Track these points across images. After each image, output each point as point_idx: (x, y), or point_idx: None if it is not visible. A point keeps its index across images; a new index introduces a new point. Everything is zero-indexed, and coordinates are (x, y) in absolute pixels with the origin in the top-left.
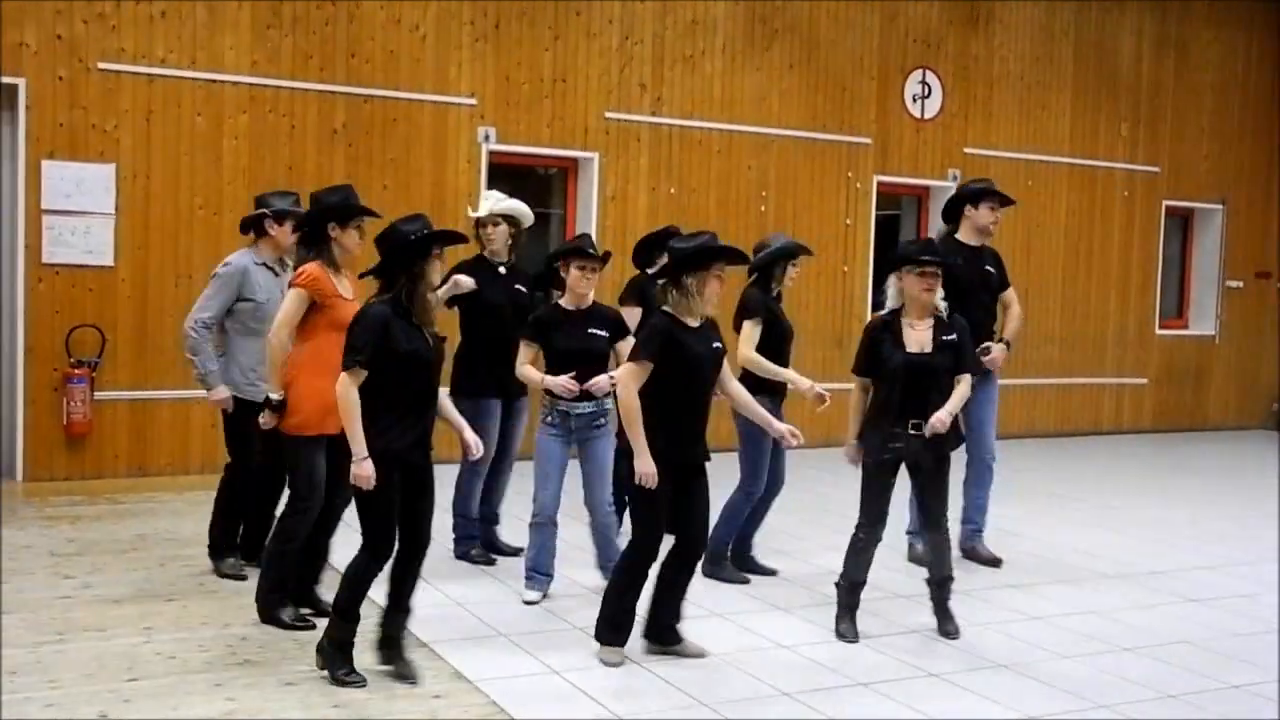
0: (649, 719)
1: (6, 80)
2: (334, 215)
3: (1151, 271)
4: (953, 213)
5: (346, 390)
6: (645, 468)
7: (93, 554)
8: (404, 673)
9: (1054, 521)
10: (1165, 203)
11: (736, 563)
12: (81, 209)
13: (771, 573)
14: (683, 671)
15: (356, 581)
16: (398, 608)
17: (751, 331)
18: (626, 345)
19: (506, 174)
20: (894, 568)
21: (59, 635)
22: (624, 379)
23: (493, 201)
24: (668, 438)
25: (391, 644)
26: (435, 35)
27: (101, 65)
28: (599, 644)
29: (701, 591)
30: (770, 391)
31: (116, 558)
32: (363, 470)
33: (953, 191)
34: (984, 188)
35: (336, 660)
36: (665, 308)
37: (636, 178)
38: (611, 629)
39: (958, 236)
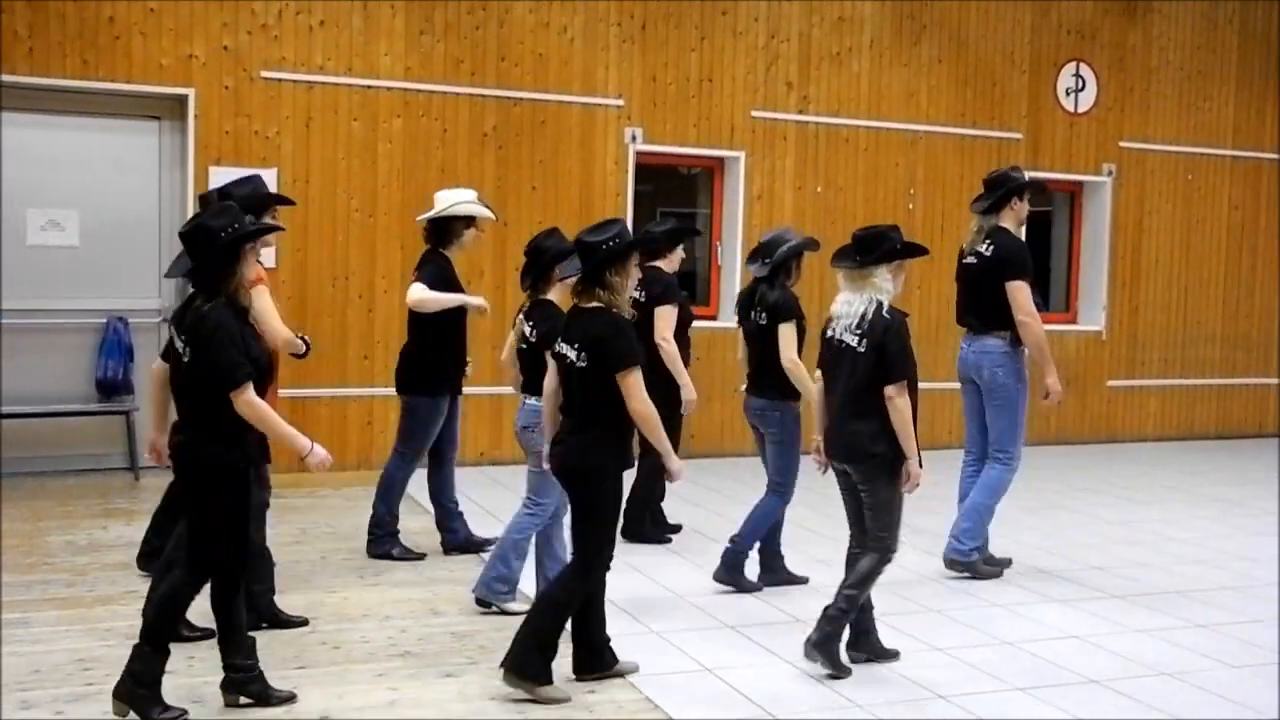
0: (809, 714)
1: (178, 91)
2: (247, 208)
3: None
4: (1000, 202)
5: (254, 404)
6: (677, 465)
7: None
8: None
9: (1221, 529)
10: None
11: (769, 570)
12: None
13: (803, 581)
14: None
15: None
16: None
17: (791, 334)
18: None
19: (652, 174)
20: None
21: None
22: (637, 388)
23: (478, 204)
24: (628, 444)
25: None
26: (583, 37)
27: (264, 74)
28: (531, 682)
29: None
30: (796, 396)
31: (280, 550)
32: (318, 456)
33: (1003, 182)
34: (1032, 180)
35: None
36: (594, 304)
37: (783, 176)
38: (546, 661)
39: (1004, 225)
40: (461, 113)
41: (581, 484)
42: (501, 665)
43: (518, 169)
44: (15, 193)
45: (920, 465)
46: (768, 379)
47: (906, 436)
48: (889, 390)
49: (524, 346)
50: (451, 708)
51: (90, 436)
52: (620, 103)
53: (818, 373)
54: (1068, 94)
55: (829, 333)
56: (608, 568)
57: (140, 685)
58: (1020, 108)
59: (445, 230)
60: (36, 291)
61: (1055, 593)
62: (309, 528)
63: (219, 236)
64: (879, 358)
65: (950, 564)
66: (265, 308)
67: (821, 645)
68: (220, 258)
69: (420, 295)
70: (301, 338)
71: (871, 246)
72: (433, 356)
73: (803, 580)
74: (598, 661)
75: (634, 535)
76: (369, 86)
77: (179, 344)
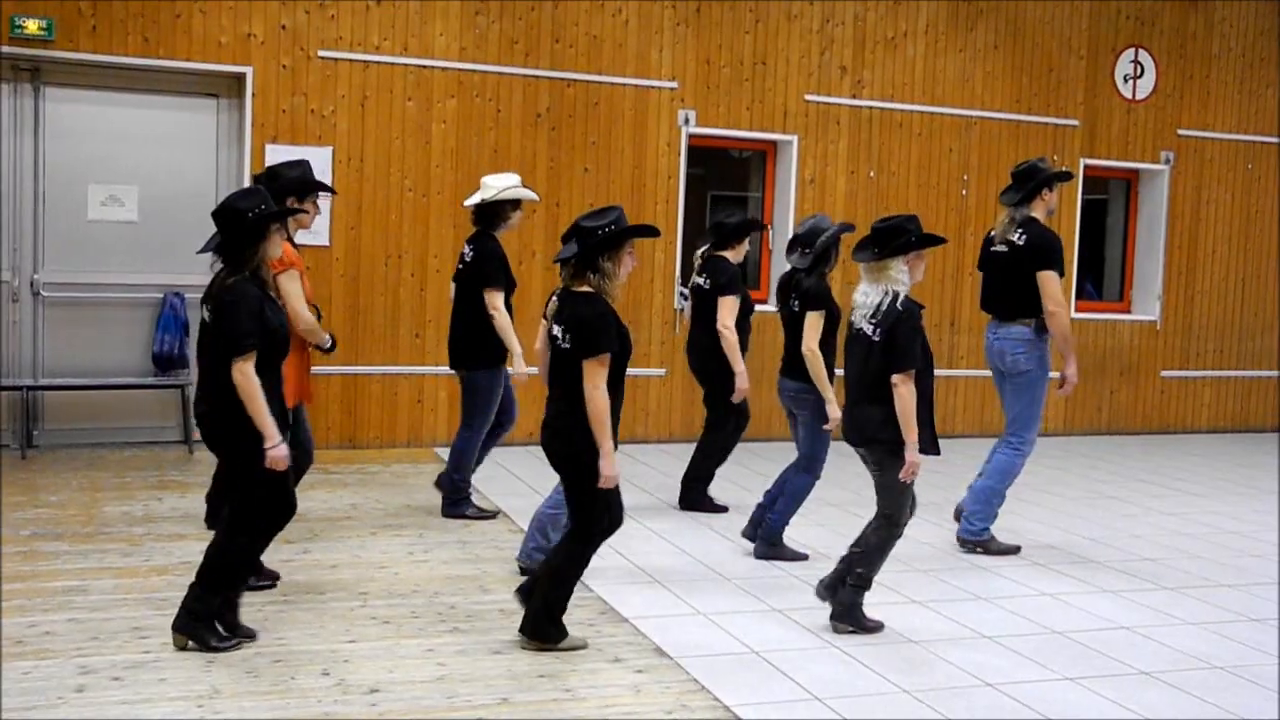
0: (856, 697)
1: (236, 69)
2: (293, 190)
3: None
4: (1031, 193)
5: (248, 377)
6: (613, 470)
7: (309, 521)
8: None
9: (1275, 520)
10: None
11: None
12: None
13: (803, 557)
14: (881, 653)
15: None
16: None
17: (817, 323)
18: None
19: (704, 157)
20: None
21: (284, 597)
22: (596, 378)
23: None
24: (614, 422)
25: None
26: (637, 19)
27: (321, 53)
28: (551, 645)
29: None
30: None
31: (330, 526)
32: (279, 453)
33: (1033, 174)
34: (1061, 170)
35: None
36: (585, 289)
37: (835, 161)
38: (558, 624)
39: (1034, 215)
40: (515, 94)
41: (570, 467)
42: (520, 631)
43: (570, 151)
44: (77, 168)
45: (939, 452)
46: (801, 363)
47: (907, 425)
48: (895, 378)
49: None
50: (499, 684)
51: (146, 410)
52: (674, 85)
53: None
54: (1126, 80)
55: (851, 320)
56: (607, 534)
57: (195, 619)
58: (1077, 94)
59: (494, 214)
60: (96, 265)
61: (1106, 583)
62: (360, 503)
63: (246, 216)
64: (889, 346)
65: (962, 543)
66: (293, 292)
67: (842, 616)
68: (246, 235)
69: (497, 314)
70: (329, 334)
71: (887, 240)
72: (485, 330)
73: (803, 557)
74: (552, 630)
75: (691, 504)
76: (424, 66)
77: (205, 314)
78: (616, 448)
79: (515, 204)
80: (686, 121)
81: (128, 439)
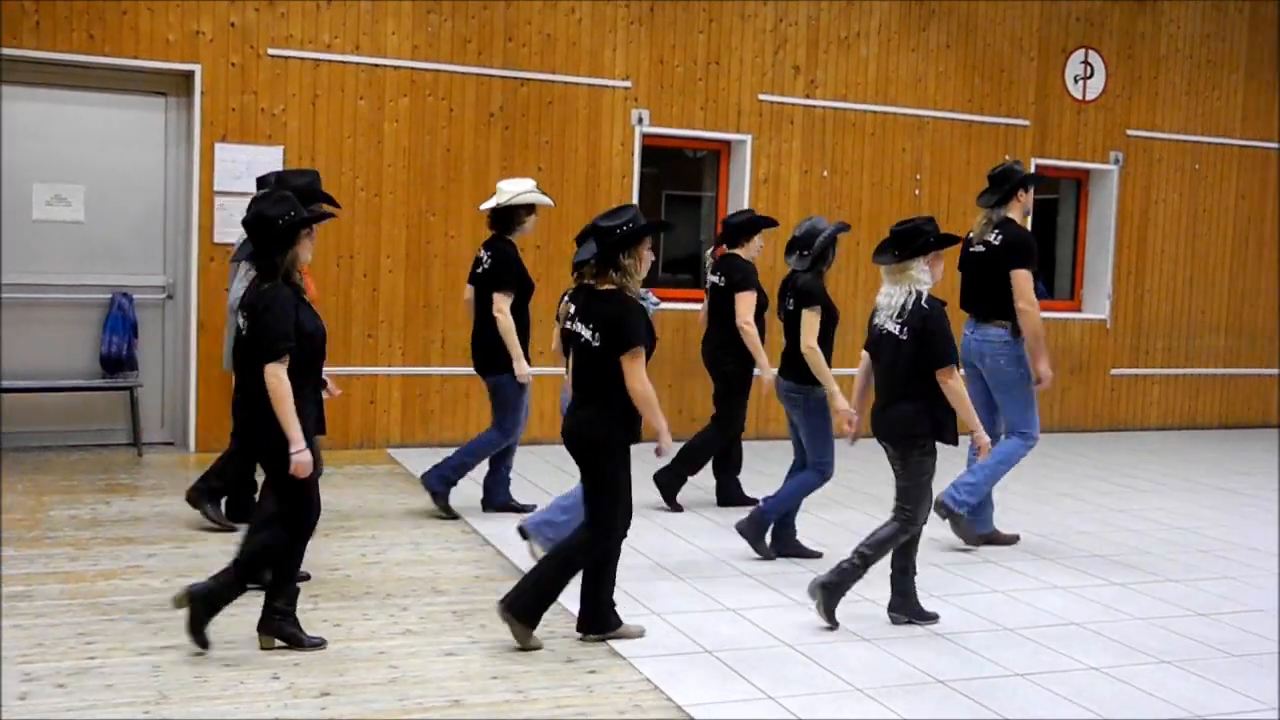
0: (810, 695)
1: (184, 67)
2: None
3: None
4: (1007, 195)
5: (281, 380)
6: (668, 443)
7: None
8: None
9: (1222, 516)
10: None
11: (781, 543)
12: (251, 190)
13: (816, 555)
14: (837, 651)
15: (289, 555)
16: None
17: (813, 320)
18: None
19: (658, 157)
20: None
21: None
22: (636, 369)
23: (538, 193)
24: (634, 419)
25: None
26: (590, 19)
27: (271, 51)
28: (522, 625)
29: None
30: (815, 381)
31: None
32: (303, 460)
33: (1008, 176)
34: (1034, 172)
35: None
36: (609, 287)
37: (789, 160)
38: (540, 610)
39: (1011, 216)
40: (468, 93)
41: (589, 455)
42: (500, 601)
43: (524, 150)
44: (21, 167)
45: (956, 443)
46: (799, 362)
47: (967, 413)
48: (939, 374)
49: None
50: (451, 686)
51: (94, 412)
52: (628, 84)
53: (864, 354)
54: (1076, 81)
55: (874, 320)
56: (624, 535)
57: (276, 614)
58: (1028, 94)
59: (509, 218)
60: (42, 266)
61: (1055, 579)
62: None
63: (276, 223)
64: (920, 346)
65: (939, 505)
66: None
67: (828, 588)
68: (277, 242)
69: (501, 318)
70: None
71: (907, 242)
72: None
73: (817, 555)
74: (601, 622)
75: (728, 500)
76: (376, 65)
77: (241, 321)
78: (638, 441)
79: (530, 209)
80: (640, 121)
81: (75, 442)
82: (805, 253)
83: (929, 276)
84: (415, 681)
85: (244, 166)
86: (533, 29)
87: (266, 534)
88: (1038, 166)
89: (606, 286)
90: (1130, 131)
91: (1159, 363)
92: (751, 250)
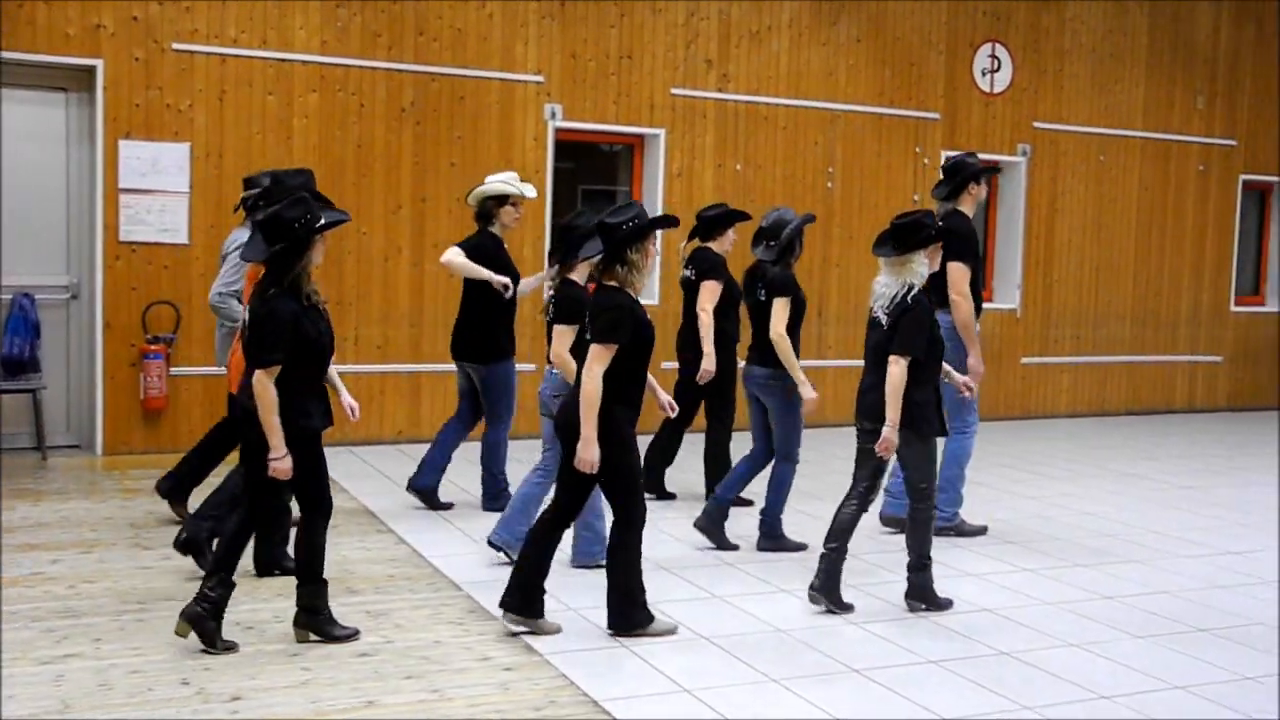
0: (724, 688)
1: (85, 62)
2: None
3: (1227, 247)
4: (958, 188)
5: (266, 387)
6: (592, 455)
7: (172, 526)
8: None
9: (1129, 501)
10: (1242, 177)
11: (772, 539)
12: (157, 188)
13: (801, 547)
14: (753, 643)
15: (315, 545)
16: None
17: (783, 310)
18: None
19: (572, 151)
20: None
21: (140, 604)
22: (594, 363)
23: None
24: (633, 411)
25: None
26: (501, 13)
27: (176, 46)
28: (640, 630)
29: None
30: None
31: None
32: (284, 465)
33: (960, 169)
34: (988, 165)
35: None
36: (612, 282)
37: (703, 154)
38: (642, 606)
39: (962, 209)
40: (379, 88)
41: (576, 440)
42: (608, 629)
43: (436, 145)
44: None
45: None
46: (770, 351)
47: (893, 401)
48: (891, 357)
49: (549, 319)
50: (364, 686)
51: None
52: (540, 79)
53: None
54: (984, 74)
55: (871, 306)
56: (644, 519)
57: (210, 614)
58: (938, 87)
59: (485, 213)
60: None
61: (968, 566)
62: None
63: (293, 227)
64: (894, 332)
65: (939, 532)
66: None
67: (915, 591)
68: (292, 246)
69: (449, 258)
70: None
71: (907, 235)
72: (490, 324)
73: (802, 547)
74: (527, 607)
75: (650, 489)
76: (284, 60)
77: (246, 319)
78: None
79: (500, 199)
80: (553, 115)
81: None
82: (772, 243)
83: (927, 269)
84: (328, 684)
85: (149, 163)
86: (444, 23)
87: (312, 531)
88: (948, 159)
89: (611, 282)
90: (1037, 124)
91: (1068, 351)
92: (724, 244)
